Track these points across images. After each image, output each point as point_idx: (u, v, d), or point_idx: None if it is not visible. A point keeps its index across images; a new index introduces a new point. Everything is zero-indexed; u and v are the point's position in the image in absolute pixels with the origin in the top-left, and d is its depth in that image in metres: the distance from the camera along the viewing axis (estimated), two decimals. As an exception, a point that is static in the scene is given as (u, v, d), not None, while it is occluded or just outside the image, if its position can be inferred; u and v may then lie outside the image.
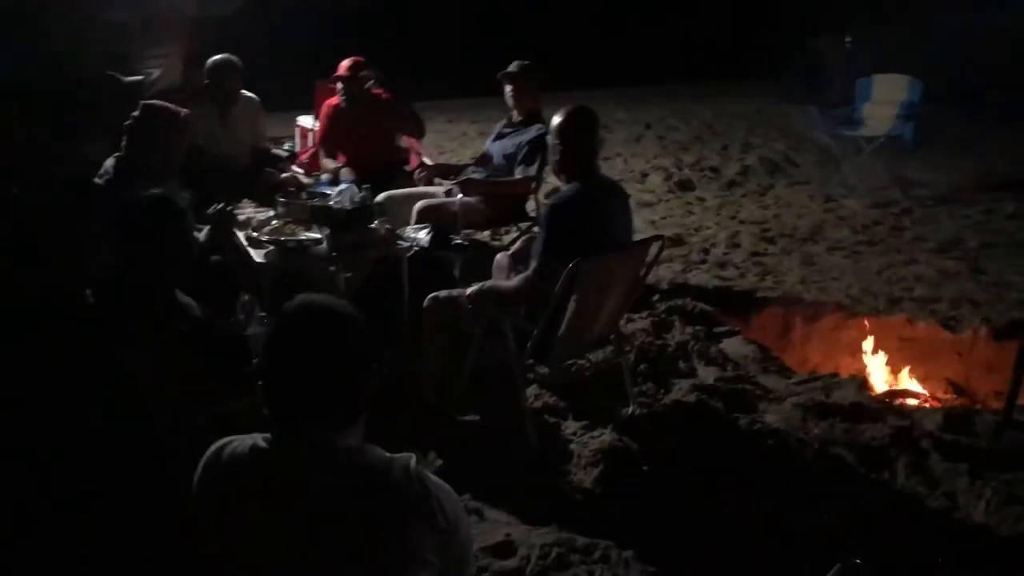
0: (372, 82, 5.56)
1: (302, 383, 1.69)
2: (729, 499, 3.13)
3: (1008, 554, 2.86)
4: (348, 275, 4.71)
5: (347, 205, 4.09)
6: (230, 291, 3.44)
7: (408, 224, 4.71)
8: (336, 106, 5.57)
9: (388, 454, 1.72)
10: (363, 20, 11.23)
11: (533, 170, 4.97)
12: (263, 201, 4.59)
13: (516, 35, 10.61)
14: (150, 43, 5.35)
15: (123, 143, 3.81)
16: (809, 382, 4.01)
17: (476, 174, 5.18)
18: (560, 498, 3.21)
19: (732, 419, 3.61)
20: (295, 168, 5.82)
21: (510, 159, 5.06)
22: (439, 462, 3.24)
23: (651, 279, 5.38)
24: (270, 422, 1.70)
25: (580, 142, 3.45)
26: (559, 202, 3.45)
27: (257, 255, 3.98)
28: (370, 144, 5.49)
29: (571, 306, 3.28)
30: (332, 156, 5.66)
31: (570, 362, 3.96)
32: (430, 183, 5.41)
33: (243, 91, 5.17)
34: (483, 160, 5.27)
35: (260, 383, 1.71)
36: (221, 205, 3.93)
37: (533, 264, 3.39)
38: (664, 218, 7.01)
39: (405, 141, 6.11)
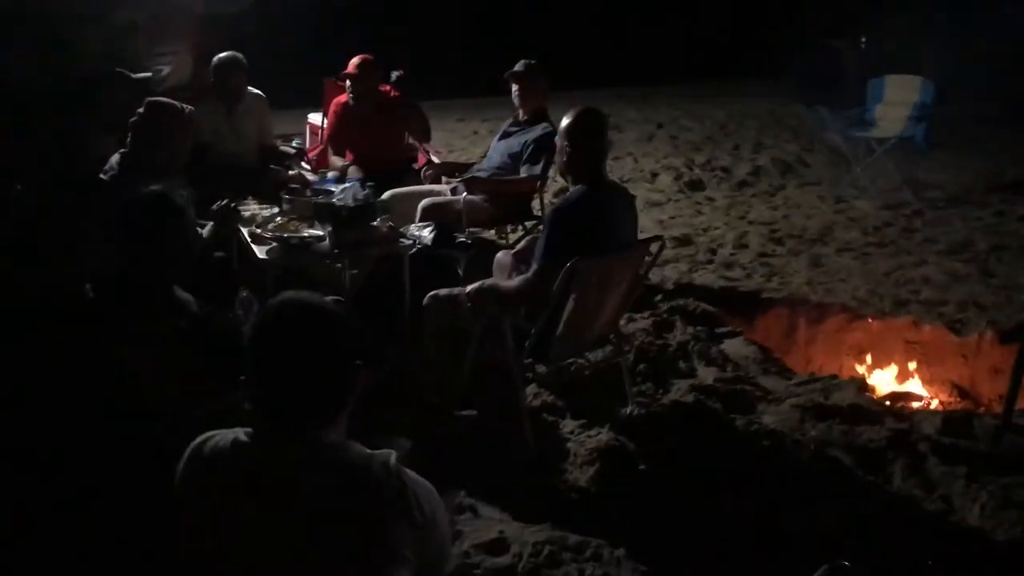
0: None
1: (285, 379, 1.70)
2: (724, 499, 3.13)
3: (1002, 558, 2.84)
4: (354, 272, 4.78)
5: (349, 202, 4.12)
6: (232, 287, 3.47)
7: (413, 222, 4.74)
8: (344, 104, 5.60)
9: (368, 450, 1.74)
10: (374, 17, 11.26)
11: (538, 169, 4.98)
12: (269, 198, 4.62)
13: (529, 34, 10.63)
14: (160, 40, 5.38)
15: (128, 140, 3.84)
16: (809, 383, 4.00)
17: (481, 172, 5.19)
18: (555, 496, 3.22)
19: (729, 420, 3.60)
20: (304, 165, 5.87)
21: (515, 158, 5.08)
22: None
23: (656, 279, 5.42)
24: (252, 417, 1.72)
25: (588, 144, 3.44)
26: (563, 205, 3.45)
27: (260, 251, 4.00)
28: (377, 142, 5.53)
29: (569, 305, 3.28)
30: (340, 154, 5.70)
31: (569, 361, 3.97)
32: (436, 181, 5.44)
33: (250, 88, 5.20)
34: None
35: (243, 378, 1.73)
36: (225, 202, 3.97)
37: (534, 267, 3.39)
38: (673, 218, 7.00)
39: (413, 139, 6.13)
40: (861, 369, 4.72)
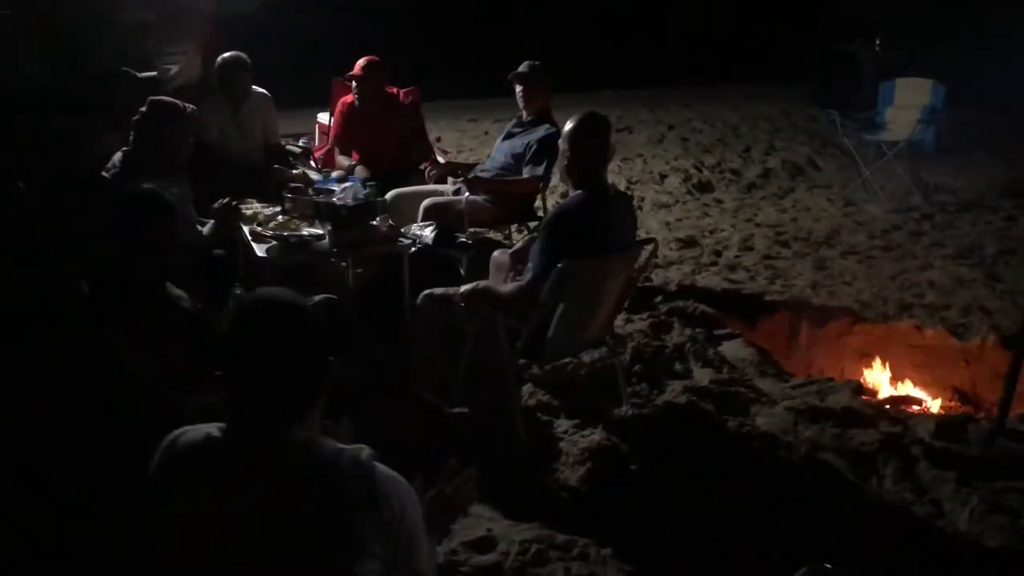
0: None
1: (256, 374, 1.73)
2: (714, 500, 3.13)
3: (990, 562, 2.83)
4: (359, 271, 4.81)
5: (349, 202, 4.15)
6: (231, 284, 3.51)
7: (416, 221, 4.77)
8: (350, 104, 5.64)
9: (340, 445, 1.76)
10: (388, 16, 11.31)
11: (540, 170, 4.99)
12: (272, 197, 4.66)
13: (544, 35, 10.68)
14: (169, 40, 5.43)
15: (130, 138, 3.89)
16: (805, 386, 4.00)
17: (484, 173, 5.21)
18: (545, 495, 3.24)
19: (722, 421, 3.60)
20: (312, 164, 5.92)
21: (518, 158, 5.09)
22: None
23: (659, 280, 5.43)
24: (225, 411, 1.75)
25: (589, 149, 3.45)
26: (561, 212, 3.47)
27: (260, 249, 4.04)
28: (383, 142, 5.56)
29: (560, 307, 3.30)
30: (346, 153, 5.73)
31: (565, 361, 3.99)
32: (441, 181, 5.46)
33: (255, 87, 5.25)
34: None
35: (217, 373, 1.76)
36: (226, 200, 4.01)
37: (529, 274, 3.41)
38: (679, 220, 7.00)
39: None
40: (862, 373, 4.70)
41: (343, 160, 5.67)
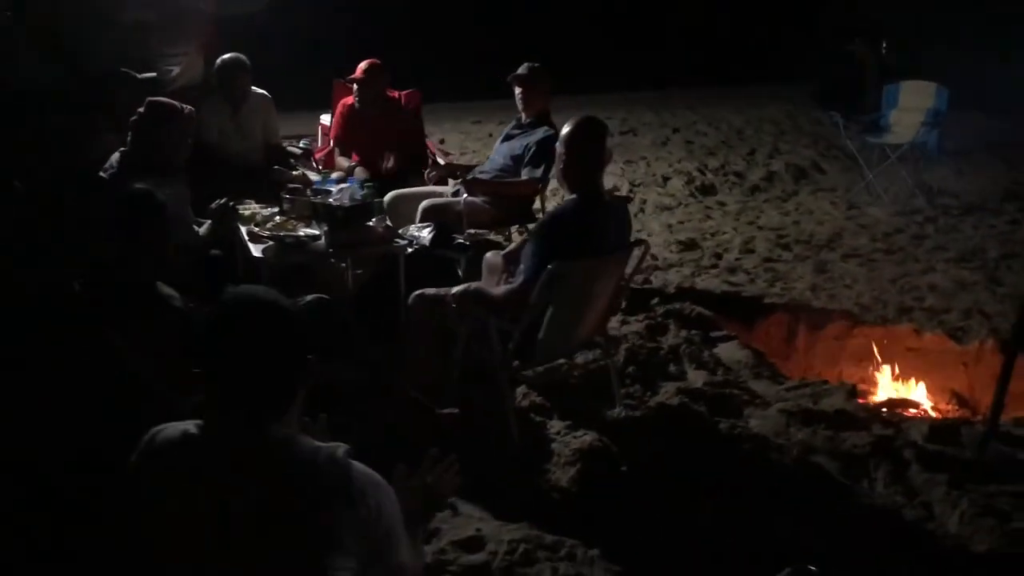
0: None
1: (233, 371, 1.74)
2: (704, 502, 3.13)
3: (978, 565, 2.82)
4: (359, 271, 4.84)
5: (346, 202, 4.17)
6: (230, 285, 3.52)
7: (414, 223, 4.78)
8: (351, 106, 5.66)
9: (317, 443, 1.77)
10: (388, 16, 11.32)
11: (539, 172, 5.00)
12: (270, 198, 4.68)
13: (551, 37, 10.68)
14: (170, 41, 5.46)
15: (128, 138, 3.92)
16: (799, 388, 3.99)
17: (483, 174, 5.23)
18: (536, 496, 3.24)
19: (714, 423, 3.60)
20: (314, 165, 5.94)
21: (517, 160, 5.11)
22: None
23: (658, 282, 5.43)
24: (203, 408, 1.76)
25: (584, 153, 3.46)
26: (555, 215, 3.48)
27: (256, 250, 4.06)
28: (383, 144, 5.57)
29: (551, 309, 3.31)
30: (346, 155, 5.75)
31: (559, 363, 3.99)
32: (441, 183, 5.48)
33: (255, 88, 5.28)
34: None
35: (196, 371, 1.77)
36: (223, 201, 4.04)
37: (521, 277, 3.42)
38: (681, 222, 7.00)
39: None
40: (859, 376, 4.69)
41: (343, 161, 5.69)
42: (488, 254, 3.99)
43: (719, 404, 3.76)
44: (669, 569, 2.87)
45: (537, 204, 5.52)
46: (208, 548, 1.66)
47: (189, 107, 4.03)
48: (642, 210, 7.32)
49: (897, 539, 2.97)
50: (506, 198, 5.13)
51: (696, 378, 4.02)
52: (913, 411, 4.30)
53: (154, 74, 4.96)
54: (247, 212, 4.41)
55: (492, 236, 5.60)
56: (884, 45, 10.75)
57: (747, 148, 9.52)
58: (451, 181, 5.54)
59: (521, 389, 3.90)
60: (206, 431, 1.74)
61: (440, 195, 5.25)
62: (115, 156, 3.93)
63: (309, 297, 3.34)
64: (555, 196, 6.34)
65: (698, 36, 13.54)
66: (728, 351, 4.36)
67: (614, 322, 4.50)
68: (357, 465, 1.77)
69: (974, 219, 6.99)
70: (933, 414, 4.33)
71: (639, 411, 3.76)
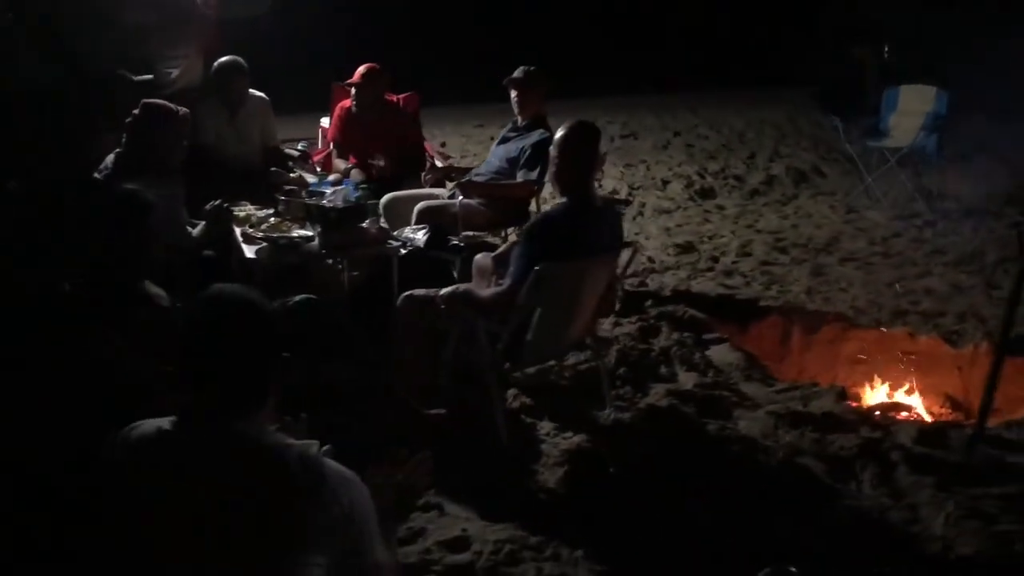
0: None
1: (208, 369, 1.76)
2: (690, 504, 3.14)
3: (962, 567, 2.82)
4: (355, 273, 4.86)
5: (339, 204, 4.19)
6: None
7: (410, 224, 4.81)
8: (349, 109, 5.68)
9: (289, 441, 1.79)
10: (388, 15, 11.34)
11: (534, 174, 5.02)
12: (266, 199, 4.70)
13: (554, 41, 10.69)
14: (171, 43, 5.48)
15: (123, 140, 3.95)
16: (789, 391, 3.99)
17: (479, 177, 5.25)
18: (523, 496, 3.25)
19: (703, 425, 3.61)
20: (316, 168, 5.97)
21: (512, 163, 5.13)
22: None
23: (654, 285, 5.43)
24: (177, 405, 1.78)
25: (577, 157, 3.48)
26: (545, 218, 3.50)
27: (249, 251, 4.09)
28: (381, 148, 5.59)
29: (538, 311, 3.33)
30: (344, 157, 5.77)
31: (550, 364, 4.00)
32: (439, 185, 5.50)
33: (252, 91, 5.30)
34: None
35: (171, 368, 1.79)
36: (218, 202, 4.06)
37: (508, 280, 3.43)
38: (680, 225, 7.00)
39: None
40: (853, 379, 4.68)
41: (340, 164, 5.72)
42: (478, 256, 4.01)
43: (708, 406, 3.77)
44: (654, 569, 2.88)
45: (533, 206, 5.53)
46: (179, 544, 1.68)
47: (184, 109, 4.06)
48: (641, 213, 7.33)
49: (882, 541, 2.97)
50: (502, 200, 5.15)
51: (686, 380, 4.03)
52: (905, 414, 4.29)
53: (151, 76, 4.99)
54: (242, 213, 4.44)
55: (488, 238, 5.62)
56: (886, 48, 10.72)
57: (748, 151, 9.52)
58: (448, 183, 5.57)
59: (512, 391, 3.92)
60: (179, 428, 1.76)
61: (437, 197, 5.27)
62: (110, 158, 3.96)
63: (298, 297, 3.36)
64: (552, 198, 6.36)
65: (698, 36, 13.55)
66: (720, 353, 4.36)
67: (606, 324, 4.51)
68: (329, 463, 1.78)
69: (974, 223, 6.97)
70: (927, 418, 4.32)
71: (629, 413, 3.77)
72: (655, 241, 6.49)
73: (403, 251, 4.39)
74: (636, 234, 6.70)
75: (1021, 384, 4.34)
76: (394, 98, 5.86)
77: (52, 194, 3.94)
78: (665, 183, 8.23)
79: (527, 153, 5.04)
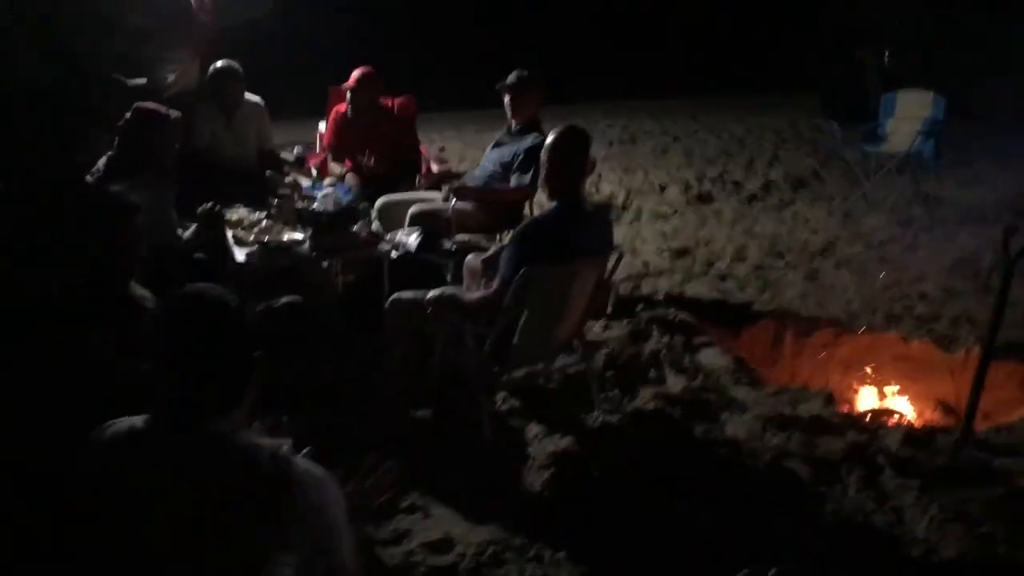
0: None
1: (179, 368, 1.78)
2: (674, 506, 3.14)
3: (944, 570, 2.82)
4: (351, 277, 4.88)
5: (330, 208, 4.21)
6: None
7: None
8: (344, 113, 5.72)
9: (260, 439, 1.80)
10: (392, 18, 11.37)
11: (527, 178, 5.03)
12: (260, 203, 4.72)
13: (556, 46, 10.71)
14: (170, 47, 5.51)
15: (115, 142, 3.97)
16: (777, 394, 3.99)
17: (473, 181, 5.26)
18: (509, 499, 3.26)
19: (689, 428, 3.62)
20: (312, 171, 5.98)
21: (506, 167, 5.14)
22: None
23: (647, 289, 5.44)
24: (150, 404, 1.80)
25: (567, 162, 3.50)
26: (535, 222, 3.52)
27: (240, 254, 4.10)
28: (376, 151, 5.61)
29: (525, 314, 3.34)
30: (340, 161, 5.80)
31: (539, 367, 4.01)
32: (433, 189, 5.51)
33: (248, 95, 5.33)
34: None
35: (144, 367, 1.81)
36: (209, 205, 4.08)
37: (496, 283, 3.44)
38: (676, 230, 7.00)
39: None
40: (845, 383, 4.68)
41: (335, 167, 5.74)
42: (469, 257, 4.03)
43: (695, 409, 3.77)
44: (635, 571, 2.89)
45: (527, 210, 5.54)
46: (149, 542, 1.70)
47: (176, 112, 4.08)
48: (638, 218, 7.34)
49: (865, 543, 2.97)
50: (495, 204, 5.16)
51: (675, 383, 4.04)
52: (897, 419, 4.28)
53: (144, 80, 5.01)
54: (234, 217, 4.46)
55: (483, 242, 5.64)
56: (887, 53, 10.72)
57: (747, 157, 9.53)
58: (444, 187, 5.59)
59: (501, 393, 3.93)
60: (151, 427, 1.78)
61: (431, 201, 5.28)
62: (102, 160, 3.98)
63: (283, 299, 3.38)
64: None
65: (699, 35, 13.56)
66: (709, 357, 4.36)
67: (596, 327, 4.52)
68: (300, 462, 1.79)
69: (971, 228, 6.96)
70: (918, 422, 4.31)
71: (616, 416, 3.77)
72: (651, 245, 6.49)
73: (394, 254, 4.41)
74: (632, 238, 6.70)
75: (1012, 388, 4.34)
76: (389, 102, 5.88)
77: (52, 194, 3.96)
78: (663, 188, 8.24)
79: (520, 157, 5.06)
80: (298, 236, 4.21)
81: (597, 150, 9.72)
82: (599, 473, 3.36)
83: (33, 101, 4.52)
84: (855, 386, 4.62)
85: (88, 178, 3.91)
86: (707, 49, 13.21)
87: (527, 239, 3.41)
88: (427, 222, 4.87)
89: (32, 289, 3.11)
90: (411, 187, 5.57)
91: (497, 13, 12.84)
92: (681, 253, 6.28)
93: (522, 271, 3.20)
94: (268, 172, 5.25)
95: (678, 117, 11.67)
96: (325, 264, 4.68)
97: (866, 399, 4.47)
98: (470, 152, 9.53)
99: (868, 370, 4.70)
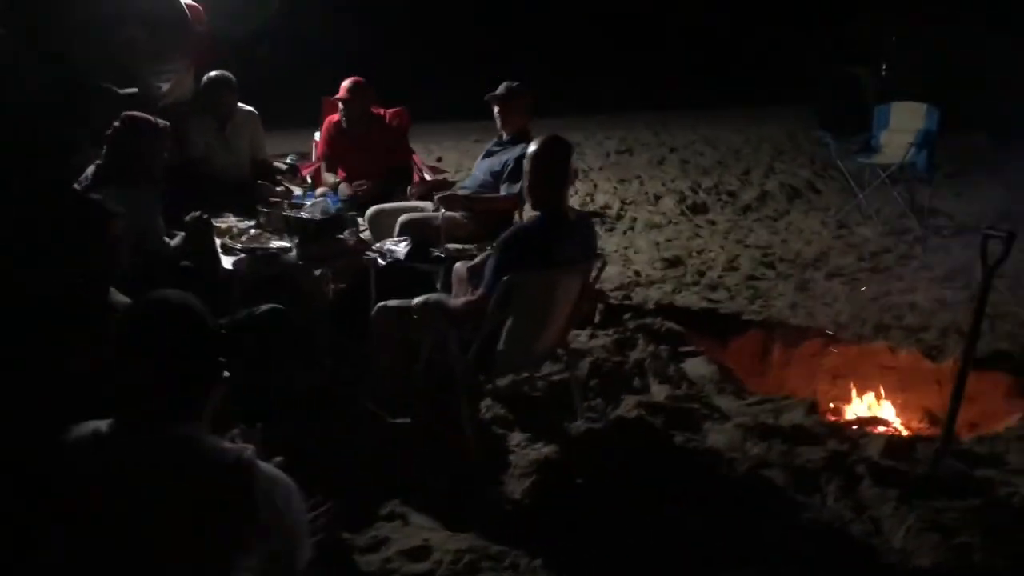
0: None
1: (141, 372, 1.80)
2: (650, 514, 3.15)
3: (917, 578, 2.83)
4: (343, 285, 4.90)
5: (317, 216, 4.24)
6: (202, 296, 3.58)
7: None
8: (337, 123, 5.75)
9: (224, 444, 1.82)
10: (395, 21, 11.41)
11: (517, 188, 5.05)
12: (250, 212, 4.75)
13: (557, 58, 10.74)
14: (162, 57, 5.54)
15: (103, 151, 4.00)
16: (761, 404, 4.00)
17: (464, 190, 5.29)
18: (488, 507, 3.26)
19: (671, 437, 3.62)
20: (307, 181, 6.02)
21: (496, 176, 5.17)
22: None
23: (637, 298, 5.45)
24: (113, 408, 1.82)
25: (550, 172, 3.53)
26: (518, 231, 3.54)
27: (227, 262, 4.13)
28: (367, 161, 5.65)
29: (509, 321, 3.36)
30: (333, 171, 5.84)
31: (525, 375, 4.02)
32: (426, 198, 5.54)
33: (241, 105, 5.37)
34: None
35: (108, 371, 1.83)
36: (197, 214, 4.10)
37: (481, 290, 3.47)
38: (670, 240, 7.03)
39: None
40: (833, 393, 4.68)
41: (329, 177, 5.78)
42: (457, 264, 4.05)
43: (678, 418, 3.77)
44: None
45: (517, 219, 5.57)
46: (112, 543, 1.71)
47: (165, 122, 4.11)
48: (632, 228, 7.36)
49: (841, 552, 2.97)
50: (484, 213, 5.18)
51: (658, 392, 4.05)
52: (882, 428, 4.29)
53: (135, 89, 5.05)
54: (224, 225, 4.49)
55: (475, 251, 5.65)
56: (884, 67, 10.75)
57: (743, 168, 9.57)
58: (435, 196, 5.61)
59: (486, 401, 3.94)
60: (115, 430, 1.79)
61: (422, 210, 5.31)
62: (90, 168, 4.01)
63: (264, 307, 3.40)
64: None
65: (698, 36, 13.59)
66: (694, 366, 4.37)
67: (583, 336, 4.54)
68: (262, 466, 1.81)
69: (965, 239, 6.96)
70: (904, 432, 4.31)
71: (600, 424, 3.78)
72: (643, 255, 6.51)
73: (382, 263, 4.43)
74: (626, 248, 6.72)
75: (996, 398, 4.34)
76: (382, 111, 5.92)
77: (53, 194, 3.99)
78: (658, 198, 8.27)
79: (510, 167, 5.08)
80: (286, 244, 4.24)
81: (594, 161, 9.81)
82: (580, 481, 3.36)
83: (26, 108, 4.55)
84: (841, 396, 4.62)
85: (76, 186, 3.93)
86: (707, 49, 13.23)
87: (511, 247, 3.44)
88: (417, 231, 4.89)
89: (32, 289, 3.13)
90: (403, 197, 5.59)
91: (497, 13, 12.88)
92: (673, 263, 6.30)
93: (505, 279, 3.21)
94: (259, 181, 5.28)
95: (676, 129, 11.70)
96: (317, 272, 4.72)
97: (851, 409, 4.47)
98: (467, 162, 9.56)
99: (853, 381, 4.71)
